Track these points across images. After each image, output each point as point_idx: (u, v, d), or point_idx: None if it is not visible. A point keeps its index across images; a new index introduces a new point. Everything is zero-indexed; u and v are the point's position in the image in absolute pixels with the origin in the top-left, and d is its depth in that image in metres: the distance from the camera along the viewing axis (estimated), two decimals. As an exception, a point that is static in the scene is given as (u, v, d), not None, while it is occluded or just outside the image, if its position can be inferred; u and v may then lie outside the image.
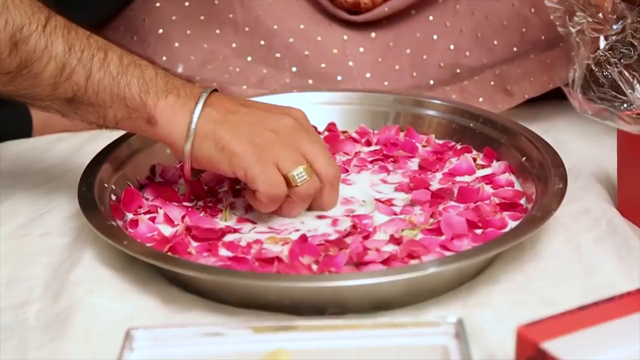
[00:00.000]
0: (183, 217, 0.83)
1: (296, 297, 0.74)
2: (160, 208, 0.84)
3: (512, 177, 0.89)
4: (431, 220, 0.82)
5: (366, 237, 0.79)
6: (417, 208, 0.84)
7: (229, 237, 0.81)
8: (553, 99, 1.02)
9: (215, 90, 0.82)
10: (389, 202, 0.85)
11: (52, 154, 1.01)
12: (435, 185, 0.88)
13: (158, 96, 0.79)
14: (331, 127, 0.98)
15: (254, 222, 0.83)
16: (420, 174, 0.90)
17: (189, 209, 0.85)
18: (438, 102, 0.99)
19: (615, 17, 0.83)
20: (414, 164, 0.92)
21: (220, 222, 0.83)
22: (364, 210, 0.84)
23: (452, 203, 0.85)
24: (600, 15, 0.83)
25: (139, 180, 0.90)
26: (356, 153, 0.95)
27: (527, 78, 1.03)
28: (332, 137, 0.97)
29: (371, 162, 0.93)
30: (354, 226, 0.81)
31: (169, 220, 0.83)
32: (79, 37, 0.79)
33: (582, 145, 0.98)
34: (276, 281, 0.74)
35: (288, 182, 0.79)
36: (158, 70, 0.81)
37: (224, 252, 0.78)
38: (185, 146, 0.79)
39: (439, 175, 0.90)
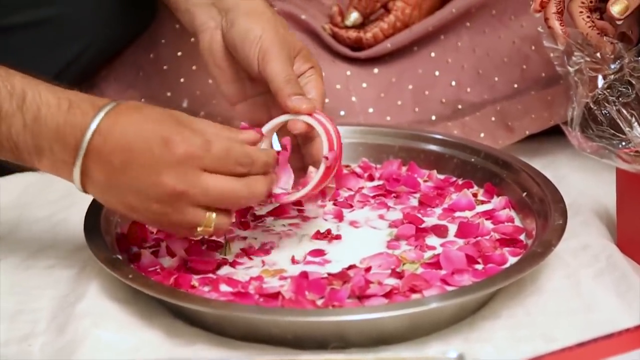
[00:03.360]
0: (186, 249, 0.84)
1: (299, 331, 0.74)
2: (163, 241, 0.85)
3: (512, 213, 0.90)
4: (429, 253, 0.83)
5: (368, 270, 0.80)
6: (403, 242, 0.85)
7: (224, 270, 0.81)
8: (553, 134, 1.03)
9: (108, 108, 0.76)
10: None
11: (59, 187, 1.01)
12: (433, 221, 0.89)
13: (31, 156, 0.77)
14: None
15: (250, 258, 0.84)
16: (419, 209, 0.91)
17: (192, 242, 0.86)
18: (440, 137, 1.00)
19: (613, 56, 0.84)
20: (415, 200, 0.93)
21: (218, 256, 0.84)
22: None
23: (451, 238, 0.86)
24: (598, 55, 0.85)
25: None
26: (359, 188, 0.96)
27: (528, 114, 1.05)
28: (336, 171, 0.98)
29: (373, 197, 0.94)
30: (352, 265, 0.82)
31: (171, 253, 0.84)
32: None
33: (582, 181, 0.99)
34: (279, 315, 0.74)
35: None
36: (27, 118, 0.75)
37: (224, 287, 0.79)
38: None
39: (438, 210, 0.91)
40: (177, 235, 0.81)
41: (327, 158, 0.83)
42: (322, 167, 0.83)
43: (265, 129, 0.84)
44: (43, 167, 0.78)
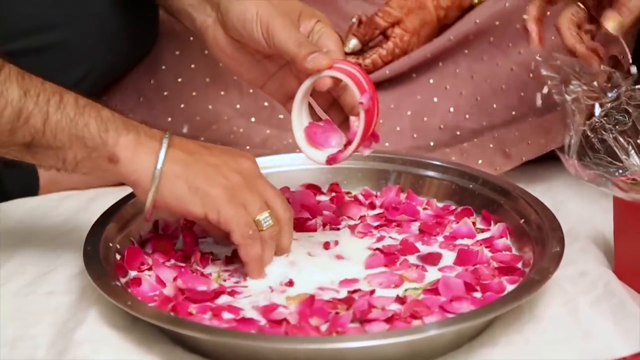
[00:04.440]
0: (175, 278, 0.83)
1: (300, 358, 0.74)
2: (150, 269, 0.85)
3: (509, 242, 0.90)
4: (429, 278, 0.83)
5: (372, 293, 0.81)
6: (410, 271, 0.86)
7: (222, 299, 0.81)
8: (551, 161, 1.03)
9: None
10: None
11: (58, 212, 1.02)
12: (434, 249, 0.89)
13: (118, 133, 0.81)
14: (335, 187, 1.00)
15: (244, 287, 0.84)
16: (421, 237, 0.91)
17: (182, 270, 0.85)
18: (438, 163, 1.00)
19: (610, 85, 0.85)
20: (416, 228, 0.93)
21: (213, 282, 0.84)
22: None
23: (450, 264, 0.86)
24: (595, 83, 0.85)
25: (142, 236, 0.91)
26: (361, 217, 0.96)
27: (524, 141, 1.05)
28: (338, 198, 0.98)
29: (376, 227, 0.94)
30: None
31: (160, 282, 0.83)
32: (33, 83, 0.80)
33: (580, 207, 0.99)
34: (279, 343, 0.74)
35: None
36: (114, 111, 0.82)
37: (227, 315, 0.79)
38: (152, 186, 0.81)
39: (439, 238, 0.91)
40: (237, 225, 0.81)
41: (362, 103, 0.83)
42: (362, 113, 0.83)
43: (296, 99, 0.85)
44: (126, 143, 0.80)
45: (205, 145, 0.85)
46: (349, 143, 0.84)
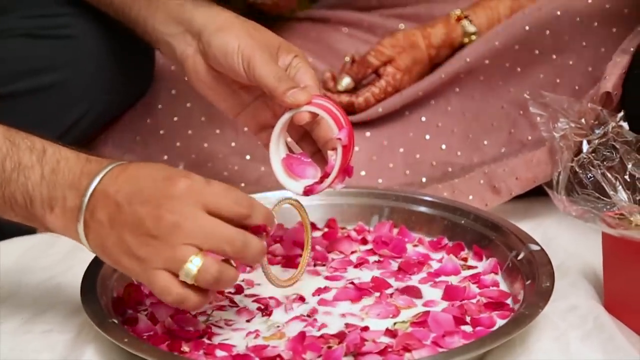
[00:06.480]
0: (172, 316, 0.83)
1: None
2: (147, 308, 0.85)
3: (498, 277, 0.91)
4: (415, 312, 0.84)
5: (364, 329, 0.81)
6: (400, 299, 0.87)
7: (215, 339, 0.81)
8: (541, 196, 1.04)
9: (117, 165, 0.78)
10: None
11: (56, 250, 1.03)
12: (413, 284, 0.90)
13: (44, 209, 0.77)
14: (331, 223, 1.01)
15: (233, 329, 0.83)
16: (397, 274, 0.92)
17: (177, 309, 0.84)
18: (430, 199, 1.01)
19: (597, 122, 0.87)
20: (396, 265, 0.94)
21: (201, 322, 0.84)
22: None
23: (436, 299, 0.87)
24: (583, 120, 0.87)
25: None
26: (351, 252, 0.97)
27: (512, 176, 1.06)
28: (331, 233, 0.99)
29: (356, 266, 0.94)
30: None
31: (154, 319, 0.84)
32: None
33: (570, 242, 1.00)
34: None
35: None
36: (45, 170, 0.77)
37: (220, 353, 0.80)
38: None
39: (415, 277, 0.91)
40: (157, 294, 0.76)
41: (340, 138, 0.86)
42: (339, 148, 0.86)
43: (274, 132, 0.87)
44: (54, 220, 0.78)
45: (128, 198, 0.76)
46: (325, 176, 0.87)
